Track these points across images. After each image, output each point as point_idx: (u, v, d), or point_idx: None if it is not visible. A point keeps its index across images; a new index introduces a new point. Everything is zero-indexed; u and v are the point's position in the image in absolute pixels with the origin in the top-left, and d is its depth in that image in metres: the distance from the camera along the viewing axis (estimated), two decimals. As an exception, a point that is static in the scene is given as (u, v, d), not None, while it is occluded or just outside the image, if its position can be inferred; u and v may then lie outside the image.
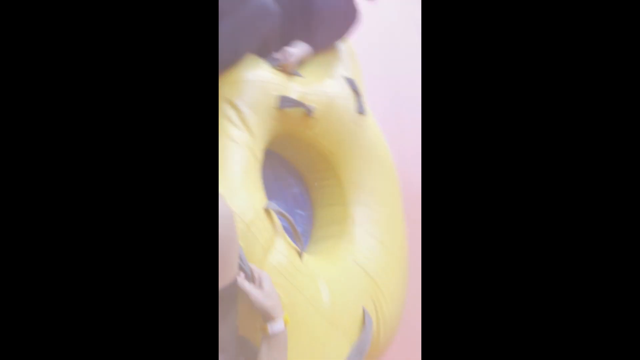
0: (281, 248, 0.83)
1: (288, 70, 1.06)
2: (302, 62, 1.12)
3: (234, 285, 0.65)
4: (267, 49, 1.04)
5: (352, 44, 1.28)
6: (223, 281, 0.58)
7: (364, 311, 0.90)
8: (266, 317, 0.67)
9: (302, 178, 1.22)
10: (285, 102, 1.02)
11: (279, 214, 0.87)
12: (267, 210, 0.86)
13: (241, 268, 0.70)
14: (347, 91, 1.15)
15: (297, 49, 1.08)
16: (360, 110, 1.15)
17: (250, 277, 0.70)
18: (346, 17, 1.12)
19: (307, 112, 1.06)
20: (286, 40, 1.09)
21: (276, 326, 0.66)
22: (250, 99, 0.98)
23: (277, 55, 1.04)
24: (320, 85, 1.11)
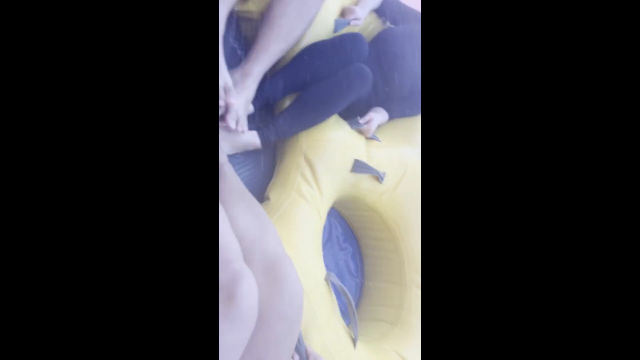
0: (336, 329, 0.75)
1: (367, 134, 1.03)
2: (379, 127, 1.09)
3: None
4: (351, 111, 1.01)
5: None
6: None
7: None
8: None
9: (358, 243, 1.16)
10: (359, 167, 0.98)
11: (340, 289, 0.81)
12: (327, 281, 0.79)
13: (297, 349, 0.63)
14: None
15: (379, 115, 1.05)
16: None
17: None
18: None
19: (379, 178, 1.02)
20: (369, 105, 1.07)
21: None
22: (326, 159, 0.95)
23: (361, 119, 1.01)
24: (397, 151, 1.07)
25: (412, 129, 1.17)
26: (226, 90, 0.81)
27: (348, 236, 1.17)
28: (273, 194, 0.93)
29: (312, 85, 0.93)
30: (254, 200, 0.77)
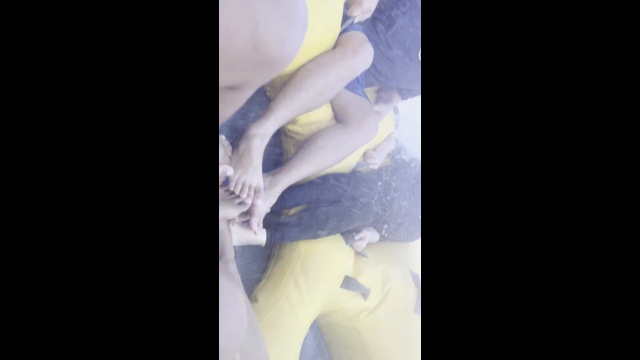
0: None
1: (357, 249, 1.09)
2: (368, 245, 1.16)
3: None
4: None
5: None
6: None
7: None
8: None
9: (329, 355, 1.14)
10: (350, 284, 1.02)
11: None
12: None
13: None
14: (410, 285, 1.15)
15: (371, 233, 1.13)
16: (417, 310, 1.13)
17: None
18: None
19: (364, 295, 1.05)
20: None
21: None
22: (321, 270, 0.98)
23: (356, 236, 1.08)
24: (382, 270, 1.12)
25: (401, 249, 1.25)
26: (257, 191, 0.87)
27: (321, 349, 1.16)
28: (262, 296, 0.94)
29: (327, 203, 1.01)
30: (250, 307, 0.77)
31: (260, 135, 0.88)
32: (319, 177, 1.04)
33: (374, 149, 1.23)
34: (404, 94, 1.31)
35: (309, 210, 1.01)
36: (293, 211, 1.04)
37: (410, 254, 1.25)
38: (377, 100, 1.30)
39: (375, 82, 1.17)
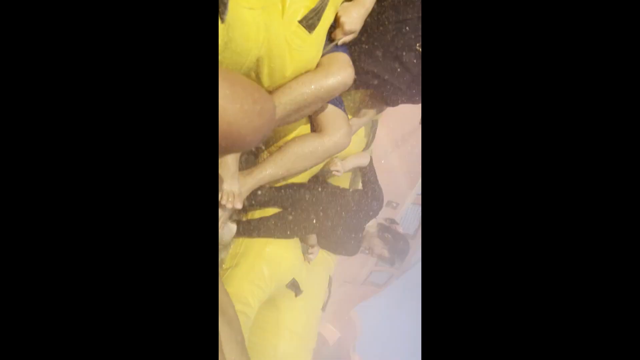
0: None
1: (308, 261, 1.32)
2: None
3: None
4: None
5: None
6: None
7: None
8: None
9: None
10: (292, 285, 1.24)
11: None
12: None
13: None
14: (325, 288, 1.44)
15: (317, 246, 1.36)
16: (323, 308, 1.43)
17: None
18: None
19: (296, 294, 1.29)
20: None
21: None
22: (278, 269, 1.17)
23: (310, 249, 1.30)
24: (314, 277, 1.37)
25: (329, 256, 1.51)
26: (236, 196, 0.97)
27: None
28: (230, 286, 1.08)
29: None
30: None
31: None
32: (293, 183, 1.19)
33: (343, 159, 1.31)
34: (392, 100, 1.27)
35: (279, 215, 1.16)
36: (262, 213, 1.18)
37: (331, 261, 1.53)
38: (358, 109, 1.32)
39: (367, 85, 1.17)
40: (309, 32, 0.85)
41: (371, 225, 1.41)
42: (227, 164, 0.93)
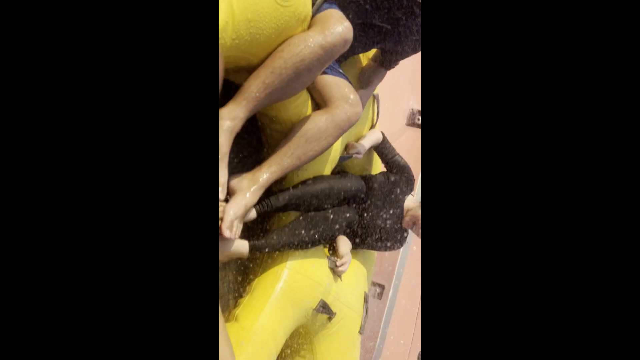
0: None
1: (337, 274, 1.12)
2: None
3: None
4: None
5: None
6: None
7: None
8: None
9: None
10: (321, 307, 1.05)
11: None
12: None
13: None
14: (360, 308, 1.24)
15: (348, 253, 1.16)
16: (361, 331, 1.23)
17: None
18: None
19: (330, 318, 1.10)
20: None
21: None
22: (299, 294, 0.99)
23: (339, 262, 1.11)
24: (347, 295, 1.18)
25: (366, 262, 1.32)
26: (220, 186, 0.81)
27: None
28: (244, 315, 0.91)
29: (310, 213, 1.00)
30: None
31: (230, 120, 0.80)
32: (302, 181, 1.01)
33: (357, 140, 1.18)
34: (392, 61, 1.18)
35: (295, 221, 0.99)
36: (278, 221, 1.01)
37: (364, 274, 1.33)
38: (360, 79, 1.21)
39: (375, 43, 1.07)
40: None
41: (410, 200, 1.22)
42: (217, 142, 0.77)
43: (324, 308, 1.06)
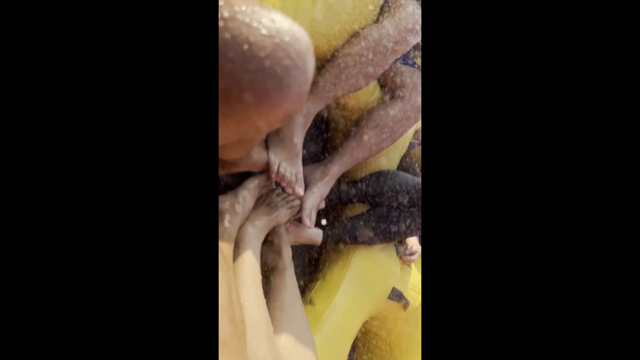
0: None
1: (406, 264, 1.12)
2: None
3: None
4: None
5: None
6: None
7: None
8: None
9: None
10: (395, 295, 1.05)
11: None
12: None
13: None
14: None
15: (418, 247, 1.16)
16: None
17: None
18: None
19: (404, 305, 1.09)
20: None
21: None
22: (372, 280, 1.01)
23: (406, 249, 1.11)
24: (418, 284, 1.17)
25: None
26: (297, 180, 0.83)
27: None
28: (318, 298, 0.95)
29: (384, 207, 1.01)
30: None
31: (303, 116, 0.81)
32: (373, 173, 1.02)
33: None
34: None
35: (370, 212, 1.01)
36: (349, 213, 1.05)
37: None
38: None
39: None
40: None
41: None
42: (292, 138, 0.79)
43: (398, 296, 1.06)
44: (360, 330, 1.16)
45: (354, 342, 1.20)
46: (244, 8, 0.37)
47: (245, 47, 0.35)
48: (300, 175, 0.84)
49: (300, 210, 0.86)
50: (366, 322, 1.10)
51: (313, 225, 0.90)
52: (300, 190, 0.83)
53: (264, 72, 0.35)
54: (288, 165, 0.81)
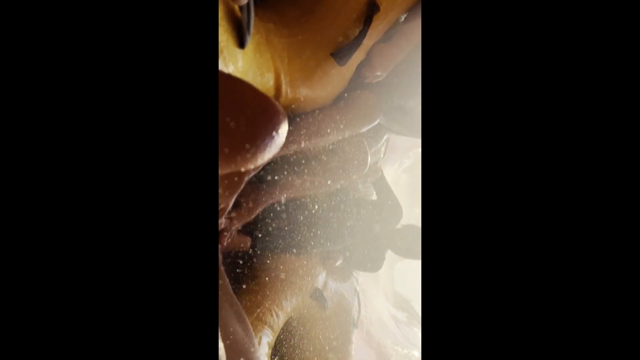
0: None
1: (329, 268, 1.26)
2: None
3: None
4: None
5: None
6: None
7: None
8: None
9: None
10: (317, 296, 1.18)
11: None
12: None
13: None
14: (354, 302, 1.36)
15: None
16: (355, 325, 1.34)
17: None
18: None
19: (324, 307, 1.22)
20: None
21: None
22: (297, 282, 1.13)
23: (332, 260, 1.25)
24: (342, 285, 1.31)
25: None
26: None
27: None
28: (245, 300, 1.04)
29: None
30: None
31: None
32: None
33: None
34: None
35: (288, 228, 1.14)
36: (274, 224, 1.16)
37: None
38: None
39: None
40: (340, 64, 0.86)
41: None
42: None
43: (318, 296, 1.18)
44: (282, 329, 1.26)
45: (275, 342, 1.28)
46: None
47: None
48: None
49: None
50: (287, 323, 1.20)
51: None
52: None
53: None
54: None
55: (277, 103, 0.47)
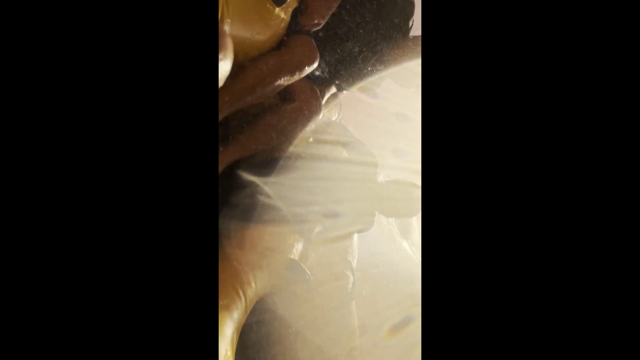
0: None
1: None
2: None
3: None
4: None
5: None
6: None
7: None
8: None
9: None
10: (294, 267, 1.07)
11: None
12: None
13: None
14: (347, 273, 1.23)
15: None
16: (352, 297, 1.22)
17: None
18: None
19: (306, 279, 1.11)
20: None
21: None
22: (267, 245, 1.03)
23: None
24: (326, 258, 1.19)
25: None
26: None
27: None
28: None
29: None
30: None
31: None
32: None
33: None
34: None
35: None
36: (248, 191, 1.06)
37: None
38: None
39: None
40: (277, 5, 0.85)
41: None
42: None
43: (295, 268, 1.08)
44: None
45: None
46: None
47: None
48: None
49: None
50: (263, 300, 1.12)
51: None
52: None
53: None
54: None
55: None
